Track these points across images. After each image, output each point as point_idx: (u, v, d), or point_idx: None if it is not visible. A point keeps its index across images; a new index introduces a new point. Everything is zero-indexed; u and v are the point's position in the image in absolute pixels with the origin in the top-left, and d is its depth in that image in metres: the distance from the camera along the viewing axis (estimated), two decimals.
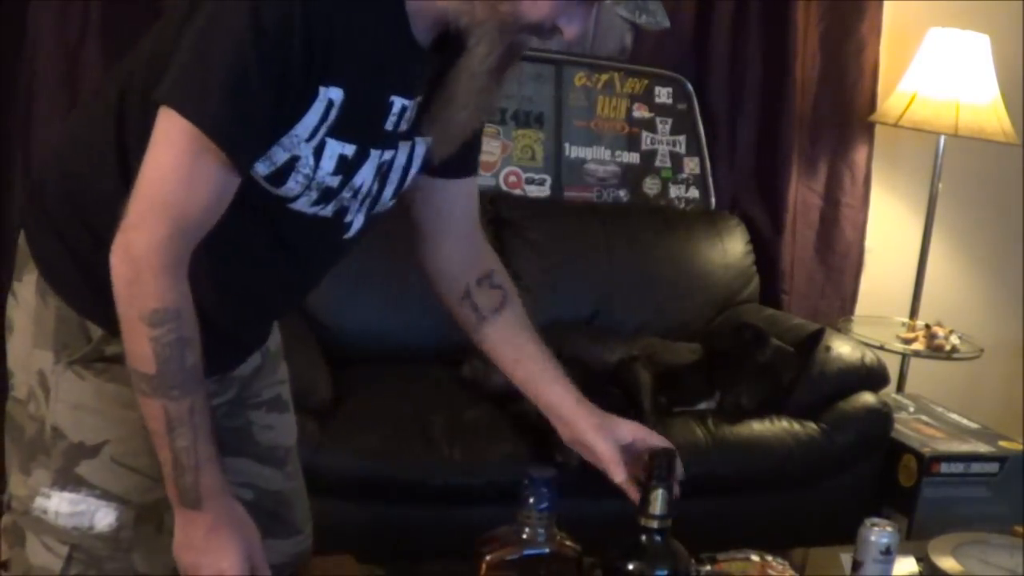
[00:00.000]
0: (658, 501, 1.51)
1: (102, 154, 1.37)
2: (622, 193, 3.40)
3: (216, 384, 1.50)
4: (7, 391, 1.47)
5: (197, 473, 1.30)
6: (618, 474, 1.56)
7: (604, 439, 1.57)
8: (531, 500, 1.47)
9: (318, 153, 1.30)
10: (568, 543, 1.56)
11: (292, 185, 1.32)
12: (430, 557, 1.83)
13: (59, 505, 1.40)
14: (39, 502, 1.41)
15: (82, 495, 1.40)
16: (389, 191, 1.43)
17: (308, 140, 1.29)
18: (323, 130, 1.29)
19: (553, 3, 1.27)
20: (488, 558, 1.49)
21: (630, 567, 1.52)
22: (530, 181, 3.32)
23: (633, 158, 3.41)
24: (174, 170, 1.23)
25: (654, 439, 1.59)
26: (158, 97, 1.23)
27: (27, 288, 1.44)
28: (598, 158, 3.38)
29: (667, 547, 1.56)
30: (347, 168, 1.34)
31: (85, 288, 1.39)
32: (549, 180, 3.34)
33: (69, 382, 1.40)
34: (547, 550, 1.49)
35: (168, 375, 1.26)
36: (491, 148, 3.28)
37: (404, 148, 1.41)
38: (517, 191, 3.31)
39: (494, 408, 2.67)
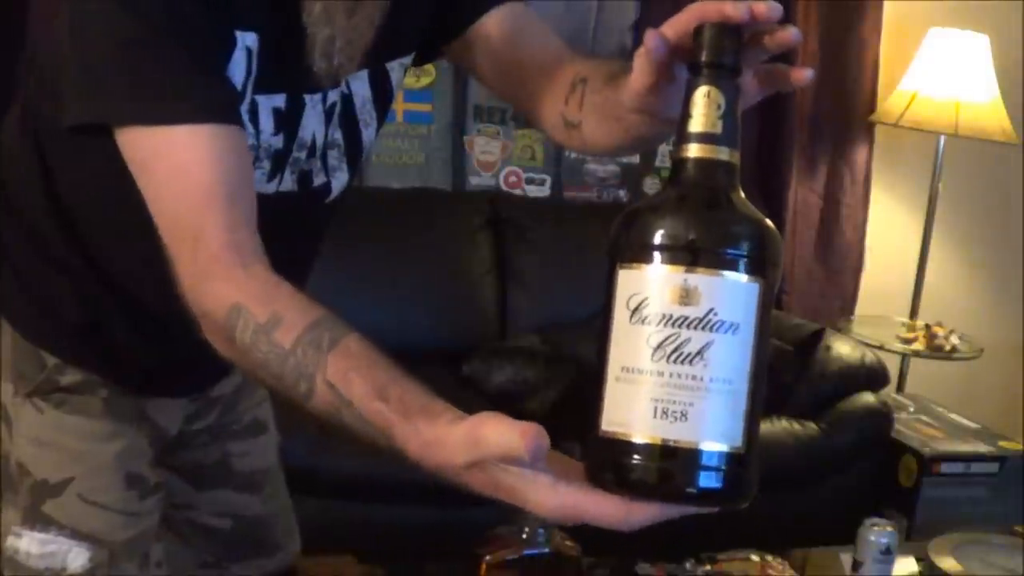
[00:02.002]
0: (703, 107, 0.87)
1: (25, 164, 1.27)
2: (622, 193, 3.40)
3: (196, 405, 1.44)
4: None
5: (390, 441, 0.96)
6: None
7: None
8: None
9: (253, 116, 1.13)
10: (568, 543, 1.56)
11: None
12: (430, 557, 1.82)
13: (29, 545, 1.31)
14: (10, 541, 1.31)
15: (52, 535, 1.30)
16: (368, 132, 1.26)
17: (241, 103, 1.11)
18: (250, 86, 1.11)
19: None
20: (488, 558, 1.49)
21: (653, 219, 0.82)
22: (530, 181, 3.32)
23: (633, 158, 3.41)
24: (155, 185, 1.03)
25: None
26: (72, 121, 1.08)
27: None
28: (598, 158, 3.38)
29: (730, 200, 0.89)
30: (286, 122, 1.16)
31: (33, 313, 1.30)
32: (549, 180, 3.34)
33: (28, 416, 1.30)
34: (547, 550, 1.49)
35: (276, 372, 0.97)
36: (491, 148, 3.28)
37: (360, 82, 1.23)
38: (517, 191, 3.31)
39: (494, 408, 2.65)
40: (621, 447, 0.79)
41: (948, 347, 3.42)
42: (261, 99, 1.13)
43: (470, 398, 2.70)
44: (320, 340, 0.98)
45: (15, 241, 1.29)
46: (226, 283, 0.99)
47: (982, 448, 2.93)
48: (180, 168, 1.02)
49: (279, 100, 1.14)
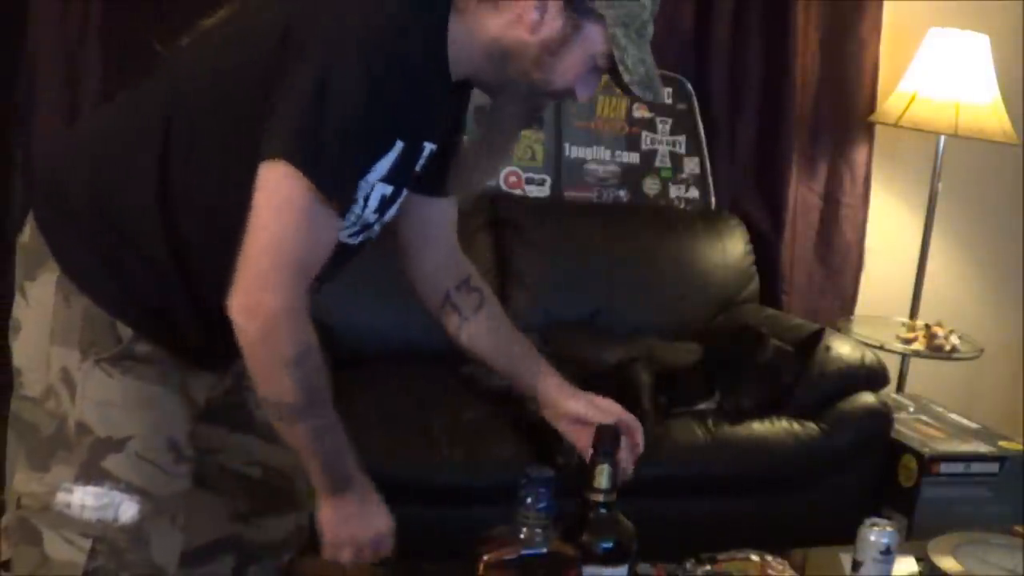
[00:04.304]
0: (603, 476, 1.59)
1: (140, 170, 1.43)
2: (622, 193, 3.40)
3: (216, 378, 1.63)
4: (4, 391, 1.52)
5: (345, 460, 1.49)
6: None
7: (575, 427, 1.70)
8: (529, 500, 1.47)
9: (366, 196, 1.45)
10: (566, 543, 1.56)
11: (344, 222, 1.44)
12: (430, 557, 1.82)
13: (83, 498, 1.45)
14: (61, 497, 1.45)
15: (106, 488, 1.45)
16: (391, 212, 1.56)
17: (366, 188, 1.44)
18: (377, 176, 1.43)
19: (576, 74, 1.47)
20: (485, 558, 1.49)
21: (576, 540, 1.57)
22: (530, 181, 3.32)
23: (633, 158, 3.41)
24: (296, 228, 1.33)
25: (625, 417, 1.69)
26: (276, 154, 1.31)
27: (43, 288, 1.47)
28: (598, 158, 3.38)
29: (612, 520, 1.61)
30: (384, 207, 1.50)
31: (114, 289, 1.46)
32: (549, 180, 3.34)
33: (96, 379, 1.45)
34: (545, 550, 1.49)
35: (315, 400, 1.42)
36: None
37: None
38: (517, 191, 3.31)
39: (494, 408, 2.67)
40: None
41: (948, 347, 3.42)
42: (379, 186, 1.45)
43: (470, 398, 2.70)
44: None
45: (103, 230, 1.45)
46: (305, 318, 1.38)
47: (982, 448, 2.93)
48: (320, 231, 1.36)
49: (389, 190, 1.47)
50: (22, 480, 1.49)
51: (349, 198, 1.39)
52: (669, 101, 3.41)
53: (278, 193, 1.32)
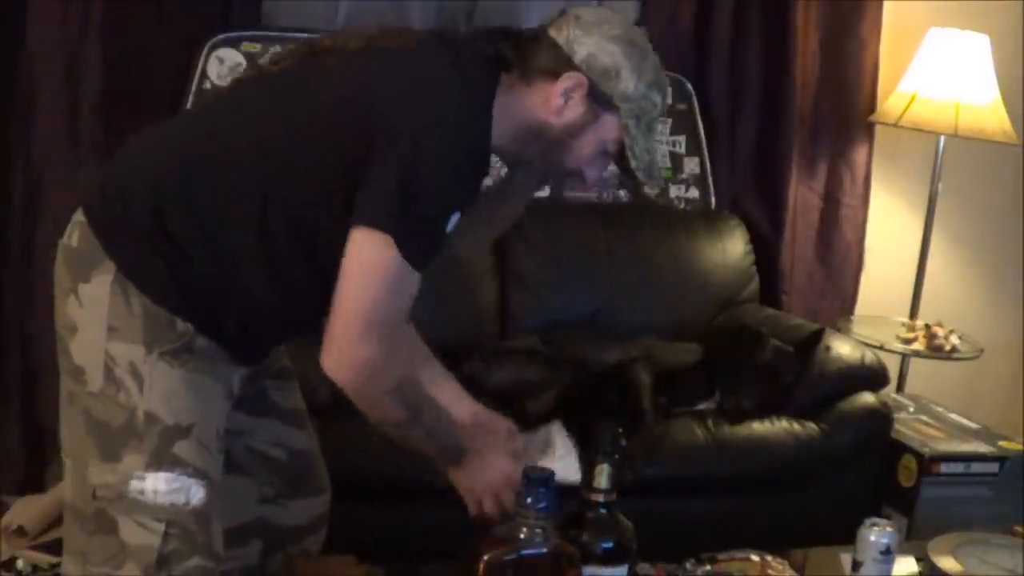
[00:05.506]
0: (603, 475, 1.62)
1: (197, 203, 1.55)
2: (622, 193, 3.39)
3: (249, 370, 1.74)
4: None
5: (454, 437, 1.72)
6: (472, 508, 1.77)
7: (469, 494, 1.78)
8: (529, 500, 1.47)
9: None
10: (566, 543, 1.56)
11: None
12: (430, 557, 1.83)
13: (155, 484, 1.54)
14: (134, 484, 1.54)
15: (176, 473, 1.55)
16: None
17: None
18: None
19: (588, 156, 1.65)
20: (486, 558, 1.49)
21: (576, 539, 1.60)
22: None
23: None
24: (387, 292, 1.52)
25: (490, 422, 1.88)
26: (374, 225, 1.48)
27: (98, 288, 1.55)
28: None
29: (612, 519, 1.64)
30: None
31: (175, 291, 1.55)
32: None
33: (161, 371, 1.55)
34: (545, 550, 1.49)
35: (417, 409, 1.65)
36: None
37: None
38: None
39: (494, 408, 2.66)
40: None
41: (948, 347, 3.42)
42: None
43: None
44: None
45: (162, 243, 1.55)
46: (396, 356, 1.58)
47: (982, 448, 2.93)
48: (406, 293, 1.55)
49: None
50: (95, 472, 1.56)
51: (431, 263, 1.54)
52: (669, 101, 3.41)
53: (374, 260, 1.49)
